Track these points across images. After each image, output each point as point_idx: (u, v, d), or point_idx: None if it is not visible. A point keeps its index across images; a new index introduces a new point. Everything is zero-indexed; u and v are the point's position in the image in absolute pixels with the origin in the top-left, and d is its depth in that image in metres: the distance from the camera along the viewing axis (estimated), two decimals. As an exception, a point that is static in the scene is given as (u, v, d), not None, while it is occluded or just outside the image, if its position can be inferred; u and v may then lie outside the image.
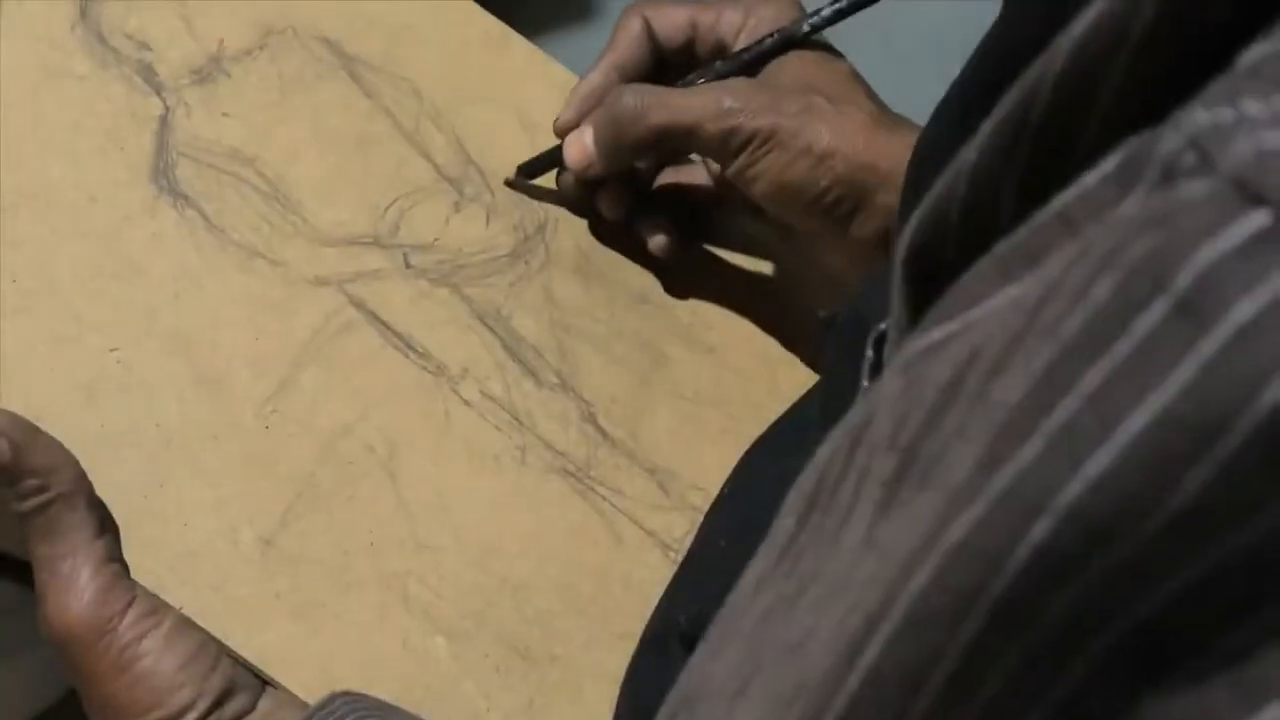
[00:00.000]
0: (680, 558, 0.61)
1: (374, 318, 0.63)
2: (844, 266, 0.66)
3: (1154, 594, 0.23)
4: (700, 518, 0.62)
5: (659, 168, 0.72)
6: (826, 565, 0.29)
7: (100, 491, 0.54)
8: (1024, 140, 0.29)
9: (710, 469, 0.64)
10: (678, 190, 0.71)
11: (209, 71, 0.66)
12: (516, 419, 0.63)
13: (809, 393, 0.64)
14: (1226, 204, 0.22)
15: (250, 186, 0.64)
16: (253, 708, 0.54)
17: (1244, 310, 0.21)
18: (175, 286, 0.60)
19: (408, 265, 0.65)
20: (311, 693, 0.55)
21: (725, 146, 0.64)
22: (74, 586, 0.52)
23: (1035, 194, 0.27)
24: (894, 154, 0.63)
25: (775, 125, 0.63)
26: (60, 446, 0.54)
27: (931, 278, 0.30)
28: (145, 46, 0.66)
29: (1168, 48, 0.26)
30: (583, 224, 0.70)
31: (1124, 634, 0.23)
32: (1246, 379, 0.21)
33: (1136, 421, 0.22)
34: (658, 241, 0.68)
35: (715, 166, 0.69)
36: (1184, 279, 0.22)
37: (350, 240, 0.65)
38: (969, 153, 0.30)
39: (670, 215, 0.69)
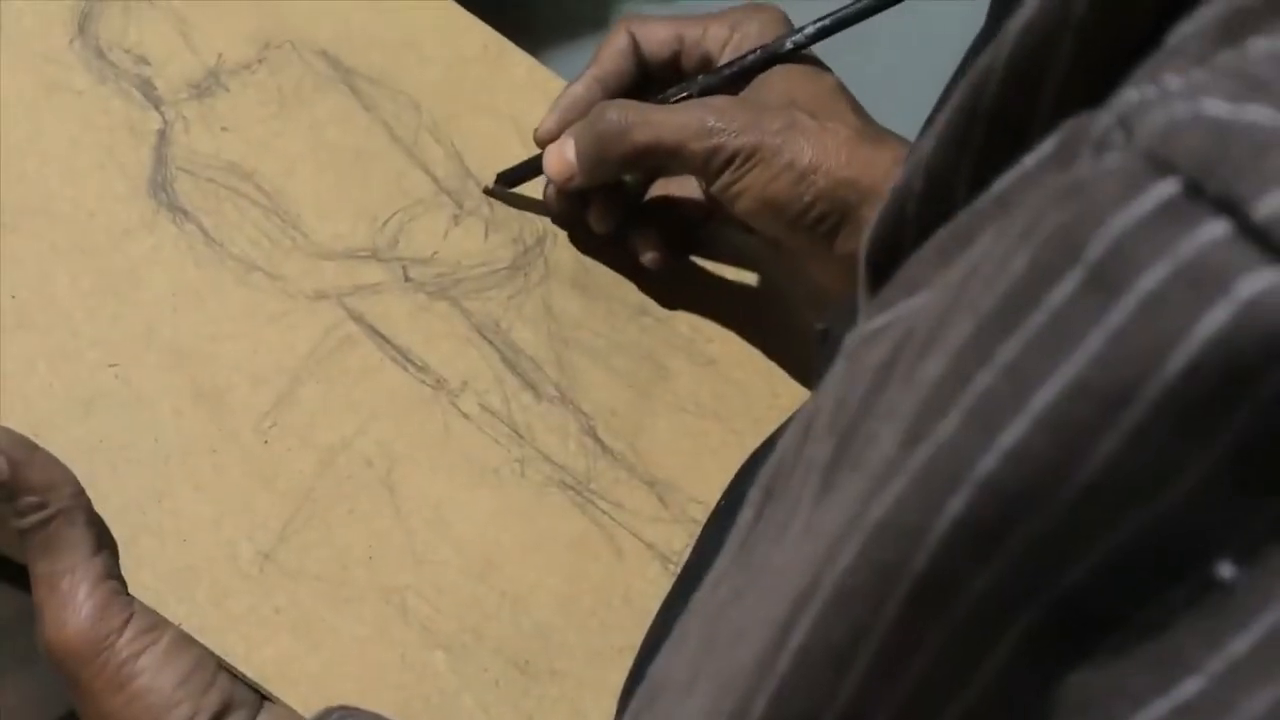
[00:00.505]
0: (679, 570, 0.61)
1: (373, 331, 0.63)
2: (831, 281, 0.66)
3: (1073, 567, 0.23)
4: (700, 530, 0.62)
5: (649, 180, 0.72)
6: (772, 555, 0.29)
7: (98, 507, 0.54)
8: (976, 128, 0.29)
9: (710, 482, 0.64)
10: (668, 203, 0.71)
11: (207, 86, 0.66)
12: (516, 432, 0.63)
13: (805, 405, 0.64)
14: (1137, 174, 0.22)
15: (249, 200, 0.64)
16: None
17: (1150, 279, 0.21)
18: (174, 301, 0.60)
19: (406, 278, 0.65)
20: (310, 708, 0.54)
21: (708, 165, 0.64)
22: (72, 603, 0.52)
23: (987, 183, 0.27)
24: (878, 169, 0.63)
25: (757, 143, 0.63)
26: (58, 463, 0.54)
27: (892, 268, 0.30)
28: (144, 61, 0.66)
29: (1107, 31, 0.26)
30: (578, 239, 0.70)
31: (1046, 609, 0.23)
32: (1152, 348, 0.21)
33: (1048, 391, 0.22)
34: (648, 254, 0.68)
35: (702, 183, 0.69)
36: (1095, 249, 0.22)
37: (349, 254, 0.65)
38: (924, 145, 0.30)
39: (661, 228, 0.69)
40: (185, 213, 0.63)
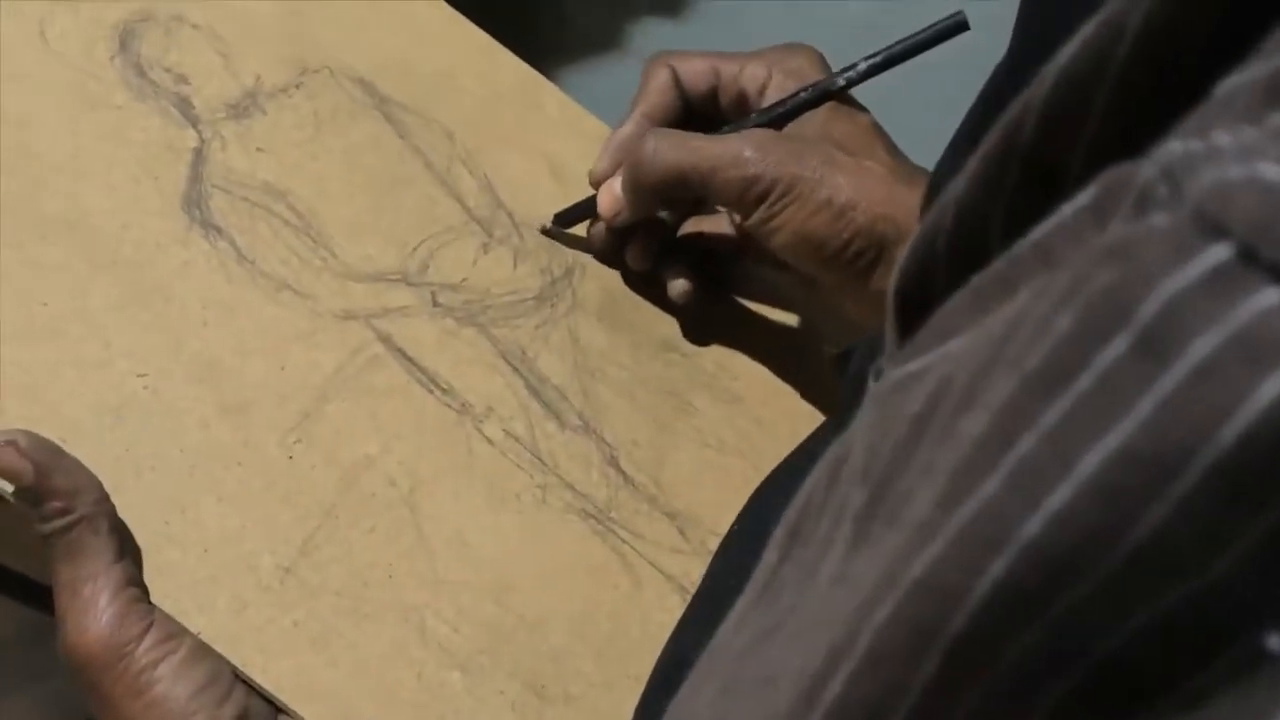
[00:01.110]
0: (690, 599, 0.61)
1: (400, 354, 0.63)
2: (866, 317, 0.67)
3: (1115, 634, 0.22)
4: (711, 559, 0.62)
5: (683, 218, 0.72)
6: (802, 600, 0.29)
7: (123, 515, 0.54)
8: (1010, 169, 0.29)
9: (731, 516, 0.64)
10: (700, 239, 0.72)
11: (245, 107, 0.67)
12: (539, 459, 0.63)
13: (819, 429, 0.64)
14: (1188, 236, 0.21)
15: (281, 220, 0.65)
16: None
17: (1202, 347, 0.21)
18: (204, 315, 0.60)
19: (435, 304, 0.65)
20: (325, 724, 0.54)
21: (744, 196, 0.64)
22: (93, 609, 0.52)
23: (1022, 225, 0.26)
24: (913, 206, 0.63)
25: (795, 176, 0.63)
26: (84, 469, 0.54)
27: (921, 309, 0.30)
28: (183, 80, 0.66)
29: (1150, 78, 0.26)
30: (609, 270, 0.70)
31: (1085, 674, 0.23)
32: (1204, 416, 0.21)
33: (1095, 457, 0.22)
34: (679, 288, 0.69)
35: (736, 217, 0.69)
36: (1145, 313, 0.21)
37: (378, 276, 0.65)
38: (957, 184, 0.30)
39: (693, 264, 0.70)
40: (218, 229, 0.63)
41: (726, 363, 0.70)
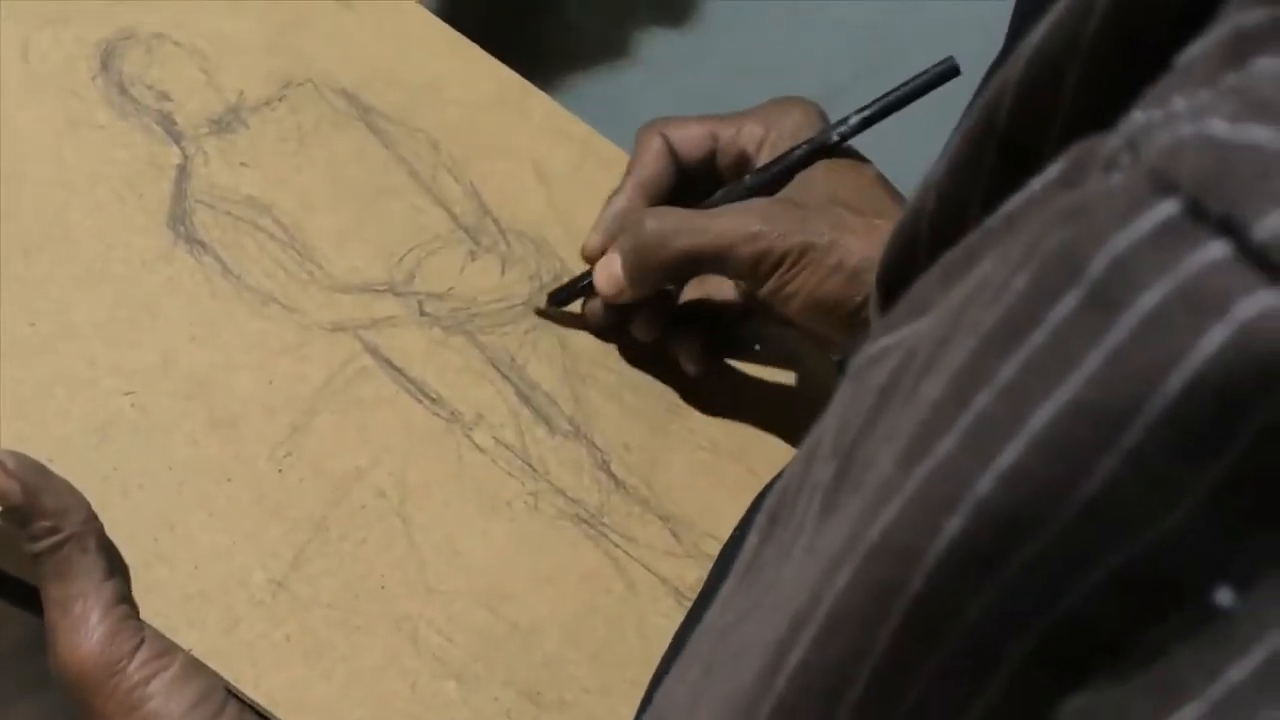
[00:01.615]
0: (691, 605, 0.61)
1: (388, 364, 0.63)
2: None
3: (1072, 591, 0.22)
4: (712, 566, 0.62)
5: (684, 283, 0.71)
6: (778, 577, 0.29)
7: (111, 533, 0.54)
8: (988, 151, 0.29)
9: (725, 518, 0.64)
10: (707, 304, 0.71)
11: (228, 121, 0.67)
12: (529, 465, 0.63)
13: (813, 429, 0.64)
14: (1140, 194, 0.22)
15: (266, 234, 0.65)
16: None
17: (1150, 298, 0.21)
18: (191, 331, 0.60)
19: (422, 313, 0.65)
20: (320, 737, 0.54)
21: (757, 269, 0.63)
22: (84, 626, 0.52)
23: (999, 204, 0.27)
24: None
25: (806, 244, 0.62)
26: (71, 488, 0.54)
27: (903, 291, 0.30)
28: (165, 97, 0.66)
29: (1119, 54, 0.26)
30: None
31: (1044, 633, 0.23)
32: (1151, 367, 0.21)
33: (1045, 412, 0.22)
34: (691, 356, 0.68)
35: (744, 285, 0.68)
36: (1096, 268, 0.22)
37: (365, 287, 0.65)
38: (937, 168, 0.30)
39: (699, 329, 0.69)
40: (203, 245, 0.63)
41: (720, 364, 0.70)
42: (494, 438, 0.63)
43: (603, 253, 0.67)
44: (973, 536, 0.23)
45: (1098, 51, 0.27)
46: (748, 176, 0.67)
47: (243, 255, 0.63)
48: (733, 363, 0.70)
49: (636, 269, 0.65)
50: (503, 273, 0.68)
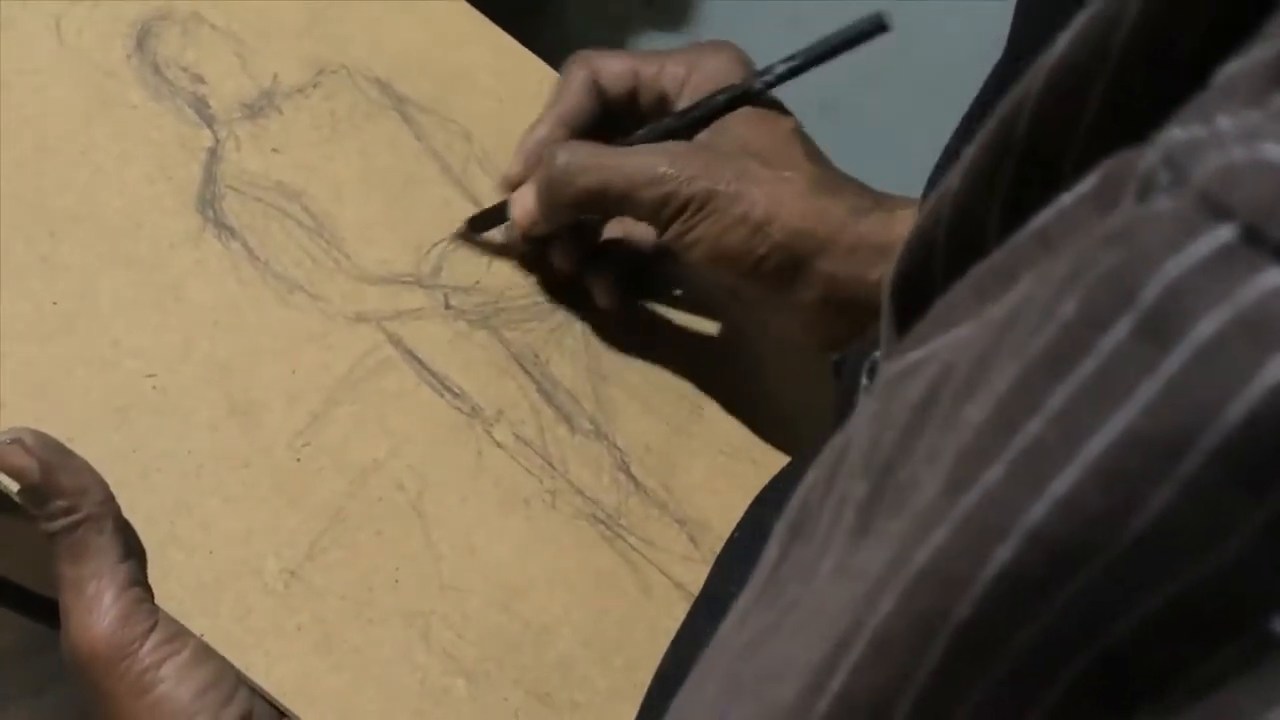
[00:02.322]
0: (692, 605, 0.61)
1: (411, 356, 0.63)
2: (791, 330, 0.66)
3: (1122, 621, 0.22)
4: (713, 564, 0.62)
5: (607, 218, 0.71)
6: (805, 594, 0.29)
7: (129, 515, 0.54)
8: (1008, 162, 0.28)
9: None
10: (625, 244, 0.70)
11: (261, 106, 0.67)
12: (549, 463, 0.63)
13: (819, 439, 0.63)
14: (1192, 218, 0.21)
15: (295, 221, 0.64)
16: None
17: (1206, 327, 0.21)
18: (215, 316, 0.60)
19: (447, 306, 0.65)
20: (328, 729, 0.54)
21: (660, 213, 0.63)
22: (97, 608, 0.52)
23: (1019, 217, 0.26)
24: (833, 219, 0.62)
25: (710, 192, 0.62)
26: (90, 469, 0.54)
27: (918, 303, 0.30)
28: (199, 79, 0.66)
29: (1147, 67, 0.26)
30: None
31: (1092, 663, 0.22)
32: (1208, 397, 0.21)
33: (1100, 441, 0.22)
34: (604, 292, 0.67)
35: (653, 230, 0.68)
36: (1148, 295, 0.21)
37: (392, 278, 0.65)
38: (952, 179, 0.30)
39: (618, 267, 0.68)
40: (231, 230, 0.63)
41: (742, 368, 0.70)
42: (514, 434, 0.63)
43: (520, 182, 0.67)
44: (1024, 565, 0.22)
45: (1125, 63, 0.26)
46: (667, 118, 0.66)
47: (270, 242, 0.63)
48: (754, 364, 0.70)
49: (548, 202, 0.65)
50: (529, 269, 0.68)
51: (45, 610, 0.63)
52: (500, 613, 0.59)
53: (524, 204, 0.66)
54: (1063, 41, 0.27)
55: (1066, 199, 0.25)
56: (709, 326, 0.70)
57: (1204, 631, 0.22)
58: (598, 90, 0.68)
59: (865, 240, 0.62)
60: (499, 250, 0.69)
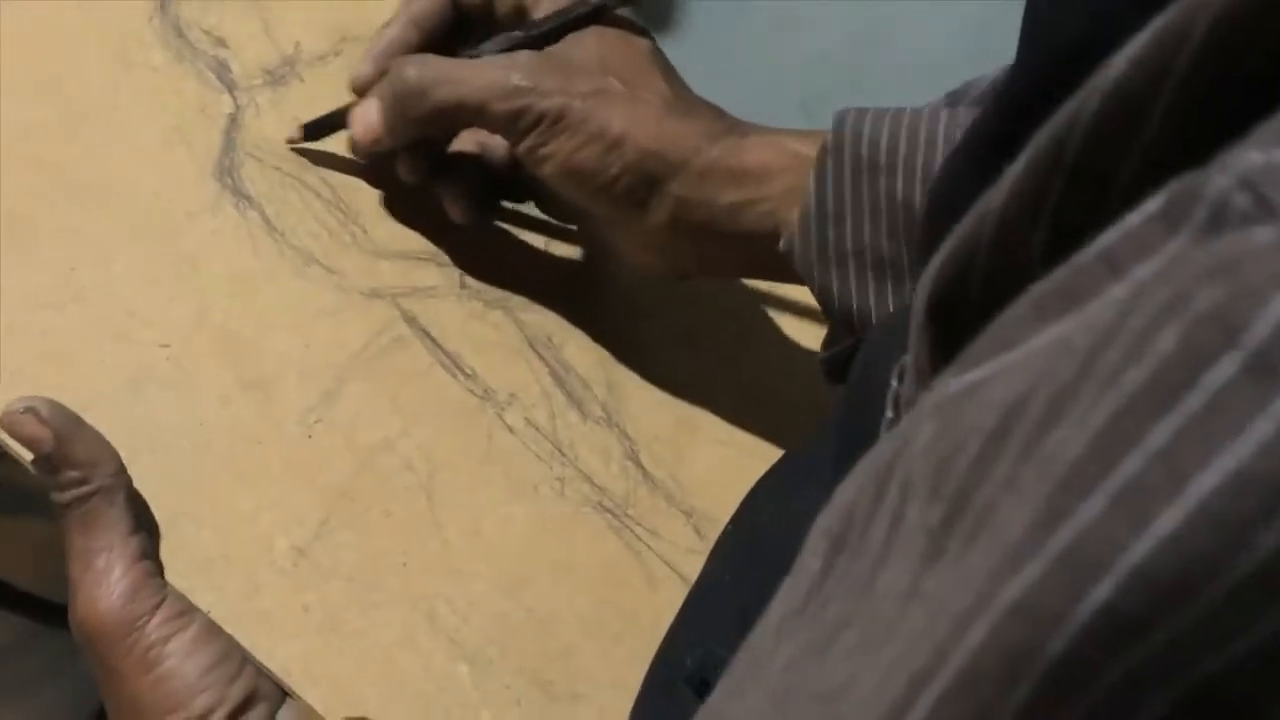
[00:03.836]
0: (687, 595, 0.61)
1: (425, 334, 0.63)
2: (640, 255, 0.65)
3: (1220, 656, 0.22)
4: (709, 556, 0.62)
5: (453, 131, 0.68)
6: (860, 612, 0.28)
7: (139, 487, 0.54)
8: (1057, 180, 0.28)
9: None
10: (475, 155, 0.69)
11: (282, 74, 0.66)
12: (559, 450, 0.63)
13: (811, 436, 0.63)
14: None
15: (313, 192, 0.64)
16: (272, 718, 0.54)
17: None
18: (230, 287, 0.60)
19: (463, 285, 0.65)
20: (329, 708, 0.54)
21: (513, 127, 0.62)
22: (106, 581, 0.52)
23: (1069, 234, 0.26)
24: (686, 142, 0.62)
25: (565, 107, 0.61)
26: (103, 440, 0.54)
27: (954, 316, 0.30)
28: (221, 44, 0.66)
29: (1212, 88, 0.26)
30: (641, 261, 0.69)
31: (1181, 699, 0.23)
32: None
33: (1208, 480, 0.21)
34: (456, 207, 0.66)
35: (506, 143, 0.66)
36: (1257, 332, 0.21)
37: (407, 255, 0.65)
38: (994, 197, 0.29)
39: (468, 178, 0.67)
40: (249, 199, 0.62)
41: (753, 361, 0.70)
42: (525, 419, 0.63)
43: (370, 84, 0.65)
44: (1122, 603, 0.22)
45: (1189, 83, 0.26)
46: (517, 30, 0.65)
47: (287, 212, 0.63)
48: (767, 358, 0.70)
49: (396, 119, 0.63)
50: (546, 250, 0.68)
51: (36, 607, 0.63)
52: (505, 599, 0.59)
53: (367, 119, 0.64)
54: (1120, 61, 0.27)
55: (1133, 219, 0.25)
56: (722, 319, 0.70)
57: None
58: None
59: (717, 165, 0.62)
60: (338, 162, 0.66)
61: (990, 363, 0.27)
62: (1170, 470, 0.22)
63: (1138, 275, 0.24)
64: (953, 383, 0.28)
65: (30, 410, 0.53)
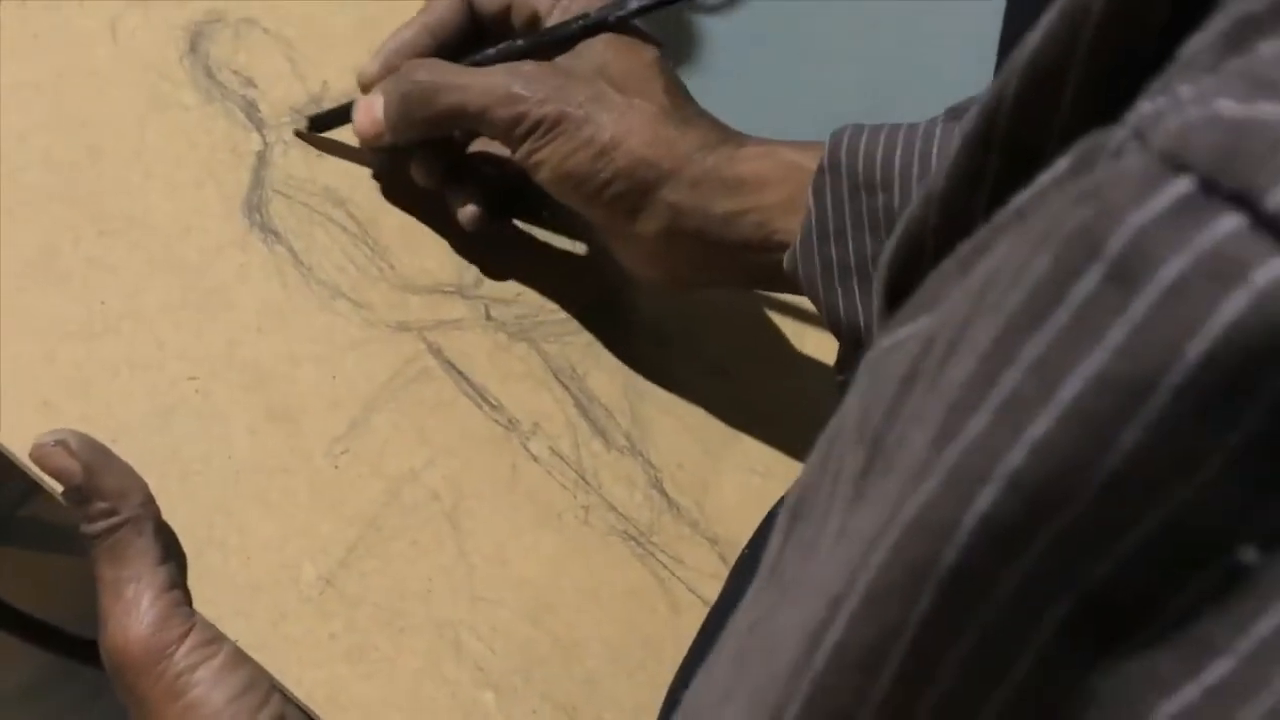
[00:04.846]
0: (705, 617, 0.61)
1: (450, 366, 0.63)
2: (637, 262, 0.66)
3: (1101, 560, 0.23)
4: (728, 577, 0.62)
5: (469, 135, 0.70)
6: (805, 569, 0.29)
7: (168, 517, 0.55)
8: (991, 157, 0.29)
9: None
10: (490, 160, 0.70)
11: (310, 112, 0.67)
12: (583, 478, 0.63)
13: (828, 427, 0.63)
14: (1154, 174, 0.22)
15: (340, 228, 0.65)
16: None
17: (1169, 271, 0.22)
18: (258, 320, 0.61)
19: (488, 317, 0.66)
20: (357, 735, 0.55)
21: (512, 133, 0.63)
22: (135, 610, 0.53)
23: (1005, 207, 0.27)
24: (680, 150, 0.62)
25: (560, 113, 0.62)
26: (131, 471, 0.55)
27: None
28: (250, 83, 0.67)
29: (1117, 55, 0.27)
30: (661, 290, 0.70)
31: (1077, 601, 0.23)
32: (1173, 336, 0.21)
33: (1073, 385, 0.22)
34: (467, 212, 0.67)
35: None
36: (1114, 245, 0.22)
37: (434, 288, 0.65)
38: (936, 178, 0.31)
39: (482, 186, 0.68)
40: (277, 234, 0.63)
41: (778, 387, 0.70)
42: (550, 448, 0.63)
43: (377, 82, 0.66)
44: (1005, 508, 0.23)
45: (1096, 52, 0.27)
46: (521, 41, 0.66)
47: (315, 247, 0.64)
48: (790, 386, 0.70)
49: (399, 117, 0.65)
50: (570, 281, 0.69)
51: (63, 644, 0.63)
52: (530, 626, 0.59)
53: (371, 113, 0.65)
54: (1033, 39, 0.28)
55: (1044, 178, 0.26)
56: (746, 346, 0.71)
57: (1178, 564, 0.23)
58: (470, 5, 0.67)
59: (710, 174, 0.63)
60: (344, 151, 0.68)
61: (917, 320, 0.28)
62: (1042, 379, 0.23)
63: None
64: (884, 340, 0.29)
65: (60, 443, 0.54)
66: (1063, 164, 0.25)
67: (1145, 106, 0.23)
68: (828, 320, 0.62)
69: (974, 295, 0.25)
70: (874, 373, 0.28)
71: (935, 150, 0.59)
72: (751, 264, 0.64)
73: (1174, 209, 0.22)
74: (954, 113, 0.62)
